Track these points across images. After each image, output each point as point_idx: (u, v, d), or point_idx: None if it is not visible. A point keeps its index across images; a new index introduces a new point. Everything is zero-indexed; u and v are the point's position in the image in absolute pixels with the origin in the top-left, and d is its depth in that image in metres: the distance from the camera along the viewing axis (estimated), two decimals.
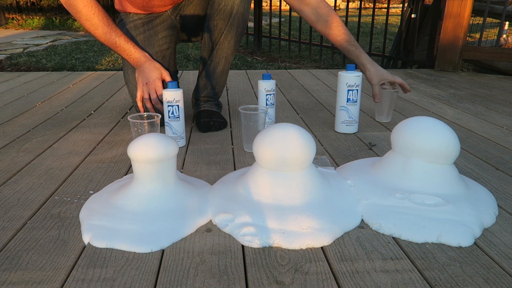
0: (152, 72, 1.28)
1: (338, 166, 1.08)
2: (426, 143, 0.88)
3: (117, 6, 1.46)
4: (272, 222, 0.77)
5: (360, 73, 1.31)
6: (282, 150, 0.82)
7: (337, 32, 1.37)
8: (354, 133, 1.36)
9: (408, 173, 0.90)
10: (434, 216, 0.80)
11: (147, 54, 1.31)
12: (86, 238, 0.75)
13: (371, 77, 1.37)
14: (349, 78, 1.30)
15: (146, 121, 1.10)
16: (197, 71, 1.50)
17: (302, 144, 0.83)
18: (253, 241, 0.74)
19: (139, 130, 1.11)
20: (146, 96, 1.28)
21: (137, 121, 1.10)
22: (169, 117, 1.19)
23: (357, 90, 1.31)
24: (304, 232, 0.75)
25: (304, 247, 0.73)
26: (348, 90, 1.31)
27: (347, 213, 0.82)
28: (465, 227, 0.77)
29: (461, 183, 0.91)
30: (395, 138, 0.94)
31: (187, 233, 0.77)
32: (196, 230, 0.79)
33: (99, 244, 0.73)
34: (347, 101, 1.32)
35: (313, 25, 1.41)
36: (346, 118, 1.35)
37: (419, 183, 0.88)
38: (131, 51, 1.27)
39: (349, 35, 1.37)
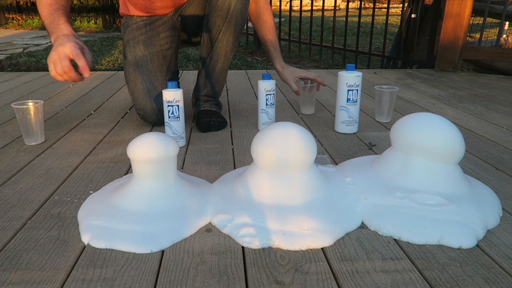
0: (65, 41, 1.13)
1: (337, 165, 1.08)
2: (430, 141, 0.84)
3: (121, 10, 1.48)
4: (272, 223, 0.76)
5: (360, 73, 1.31)
6: (283, 151, 0.81)
7: (268, 32, 1.53)
8: (354, 133, 1.36)
9: (409, 171, 0.86)
10: (435, 216, 0.78)
11: (72, 33, 1.19)
12: (86, 239, 0.75)
13: (286, 78, 1.52)
14: (349, 78, 1.30)
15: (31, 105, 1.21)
16: (197, 71, 1.50)
17: (304, 145, 0.82)
18: (252, 242, 0.73)
19: (24, 116, 1.22)
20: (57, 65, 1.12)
21: (22, 107, 1.20)
22: (169, 117, 1.19)
23: (357, 90, 1.31)
24: (304, 233, 0.75)
25: (304, 248, 0.72)
26: (348, 90, 1.31)
27: (348, 214, 0.81)
28: (468, 228, 0.75)
29: (465, 182, 0.87)
30: (395, 135, 0.90)
31: (188, 234, 0.77)
32: (196, 230, 0.78)
33: (99, 244, 0.73)
34: (347, 101, 1.32)
35: (251, 18, 1.55)
36: (346, 118, 1.35)
37: (421, 182, 0.85)
38: (63, 24, 1.18)
39: (275, 38, 1.54)
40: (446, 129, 0.86)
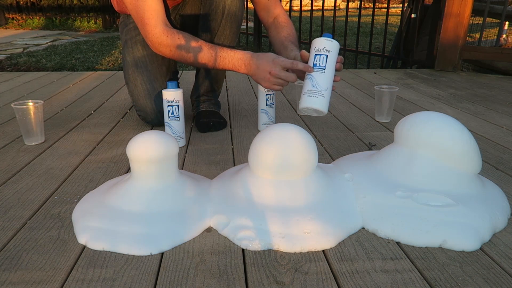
0: (266, 58, 1.13)
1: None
2: (452, 144, 0.77)
3: (118, 7, 1.45)
4: (272, 225, 0.75)
5: (333, 40, 1.07)
6: (283, 158, 0.79)
7: (285, 33, 1.39)
8: (315, 109, 1.04)
9: (413, 166, 0.79)
10: (439, 218, 0.73)
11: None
12: (83, 240, 0.74)
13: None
14: (318, 42, 1.07)
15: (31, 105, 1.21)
16: (195, 71, 1.50)
17: (306, 152, 0.80)
18: (251, 245, 0.72)
19: (24, 117, 1.22)
20: (278, 88, 1.15)
21: (22, 107, 1.21)
22: (169, 117, 1.19)
23: (326, 56, 1.04)
24: (306, 236, 0.73)
25: (305, 251, 0.72)
26: (316, 54, 1.06)
27: (351, 216, 0.79)
28: (473, 231, 0.72)
29: (476, 181, 0.80)
30: (404, 131, 0.83)
31: (188, 237, 0.76)
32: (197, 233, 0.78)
33: (97, 246, 0.73)
34: (313, 67, 1.05)
35: (268, 28, 1.49)
36: (309, 88, 1.05)
37: (425, 179, 0.78)
38: (234, 53, 1.17)
39: (294, 37, 1.37)
40: (467, 134, 0.80)
